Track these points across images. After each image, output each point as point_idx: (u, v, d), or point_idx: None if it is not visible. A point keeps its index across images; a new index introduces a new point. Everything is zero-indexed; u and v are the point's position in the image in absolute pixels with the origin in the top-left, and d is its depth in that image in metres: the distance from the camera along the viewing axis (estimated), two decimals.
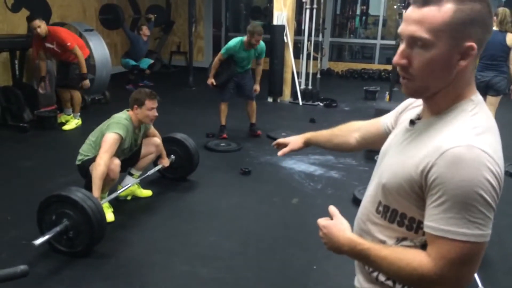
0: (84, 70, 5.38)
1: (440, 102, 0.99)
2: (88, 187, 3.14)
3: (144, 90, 3.40)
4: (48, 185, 3.75)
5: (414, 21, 0.93)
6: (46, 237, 2.65)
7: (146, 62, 8.13)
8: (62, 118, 5.68)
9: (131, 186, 3.58)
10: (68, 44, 5.25)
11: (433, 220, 0.90)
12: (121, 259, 2.84)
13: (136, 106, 3.31)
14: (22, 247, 2.86)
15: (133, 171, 3.63)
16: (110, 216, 3.25)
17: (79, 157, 3.35)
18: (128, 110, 3.37)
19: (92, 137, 3.36)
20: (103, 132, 3.22)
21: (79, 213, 2.70)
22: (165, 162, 3.80)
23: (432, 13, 0.91)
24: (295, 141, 1.62)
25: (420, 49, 0.93)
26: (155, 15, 8.53)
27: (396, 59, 0.97)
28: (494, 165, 0.87)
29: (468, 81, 0.98)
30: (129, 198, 3.65)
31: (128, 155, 3.48)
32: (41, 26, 5.15)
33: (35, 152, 4.76)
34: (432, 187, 0.90)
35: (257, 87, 5.30)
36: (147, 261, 2.82)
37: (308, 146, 1.62)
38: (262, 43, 5.04)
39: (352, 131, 1.48)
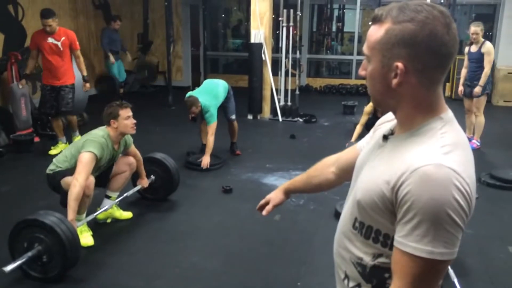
0: (85, 72, 5.43)
1: (404, 118, 1.02)
2: (63, 203, 3.11)
3: (114, 103, 3.37)
4: (25, 209, 3.65)
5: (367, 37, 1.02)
6: (17, 263, 2.58)
7: (122, 74, 8.35)
8: (59, 147, 5.31)
9: (110, 208, 3.52)
10: (77, 43, 5.28)
11: (402, 236, 0.91)
12: (101, 283, 2.77)
13: (112, 120, 3.27)
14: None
15: (109, 193, 3.56)
16: (89, 240, 3.19)
17: (52, 167, 3.27)
18: (106, 127, 3.32)
19: (66, 151, 3.31)
20: (79, 149, 3.16)
21: (49, 235, 2.63)
22: (144, 183, 3.76)
23: (373, 31, 0.99)
24: (275, 196, 1.59)
25: (367, 62, 1.01)
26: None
27: (359, 70, 1.06)
28: (463, 183, 0.89)
29: (429, 99, 0.98)
30: (108, 221, 3.59)
31: (101, 172, 3.42)
32: (52, 26, 5.07)
33: (11, 177, 4.65)
34: (402, 204, 0.90)
35: (204, 159, 4.81)
36: (128, 285, 2.76)
37: (289, 195, 1.61)
38: (207, 112, 4.80)
39: (328, 166, 1.48)
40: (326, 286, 2.48)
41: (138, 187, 3.77)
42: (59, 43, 5.14)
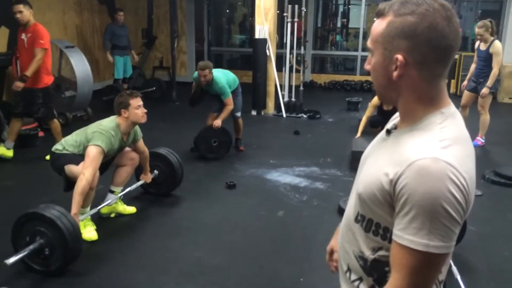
0: (29, 73, 4.56)
1: (405, 112, 1.02)
2: (67, 189, 3.19)
3: (124, 92, 3.38)
4: (29, 203, 3.65)
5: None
6: (19, 256, 2.59)
7: (129, 68, 8.12)
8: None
9: (114, 203, 3.54)
10: (41, 41, 4.55)
11: (399, 229, 0.92)
12: (104, 277, 2.78)
13: (123, 110, 3.27)
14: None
15: (113, 188, 3.57)
16: (93, 234, 3.20)
17: (59, 147, 3.28)
18: (116, 117, 3.32)
19: (76, 136, 3.29)
20: (88, 138, 3.16)
21: (50, 228, 2.64)
22: (147, 178, 3.77)
23: (376, 24, 1.00)
24: (336, 242, 1.41)
25: (371, 56, 1.03)
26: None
27: (365, 65, 1.07)
28: (459, 177, 0.89)
29: (430, 92, 0.98)
30: (112, 215, 3.60)
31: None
32: (23, 12, 4.53)
33: (16, 171, 4.68)
34: (399, 197, 0.91)
35: (216, 121, 4.99)
36: (132, 279, 2.78)
37: None
38: (219, 83, 4.92)
39: None
40: (329, 281, 2.48)
41: (141, 182, 3.78)
42: (25, 39, 4.64)
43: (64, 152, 3.23)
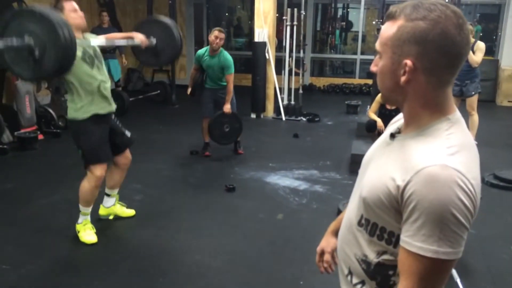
0: None
1: (411, 117, 1.02)
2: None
3: None
4: (29, 207, 3.68)
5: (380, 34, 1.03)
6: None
7: (115, 72, 7.76)
8: None
9: (112, 206, 3.55)
10: None
11: (408, 236, 0.92)
12: (103, 281, 2.78)
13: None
14: (4, 272, 2.79)
15: (108, 191, 3.54)
16: (93, 238, 3.20)
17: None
18: None
19: None
20: None
21: (40, 24, 2.38)
22: (144, 42, 3.39)
23: (386, 27, 0.99)
24: (327, 243, 1.44)
25: (379, 59, 1.02)
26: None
27: (371, 66, 1.06)
28: (468, 184, 0.89)
29: (437, 98, 0.99)
30: (111, 217, 3.60)
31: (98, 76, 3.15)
32: None
33: (15, 174, 4.67)
34: (407, 203, 0.91)
35: (226, 106, 5.05)
36: (131, 283, 2.77)
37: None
38: (228, 56, 5.06)
39: None
40: (328, 285, 2.48)
41: (137, 42, 3.39)
42: None
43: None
